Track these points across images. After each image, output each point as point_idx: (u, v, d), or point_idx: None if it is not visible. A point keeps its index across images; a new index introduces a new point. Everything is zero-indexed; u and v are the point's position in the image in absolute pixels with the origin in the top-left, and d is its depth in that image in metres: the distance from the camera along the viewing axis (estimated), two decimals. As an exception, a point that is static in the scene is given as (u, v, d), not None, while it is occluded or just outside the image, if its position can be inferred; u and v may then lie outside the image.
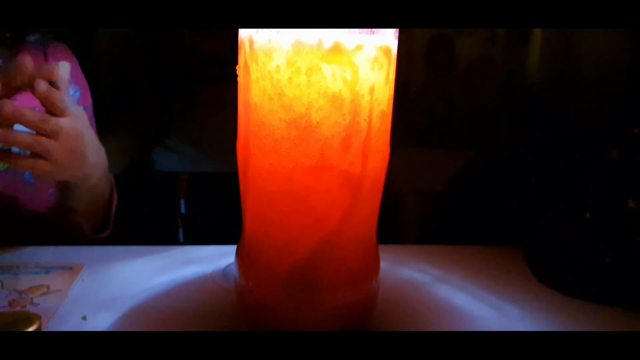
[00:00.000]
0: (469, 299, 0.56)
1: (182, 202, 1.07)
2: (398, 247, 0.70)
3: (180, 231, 1.08)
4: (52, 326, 0.47)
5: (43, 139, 0.57)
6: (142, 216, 1.03)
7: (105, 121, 0.98)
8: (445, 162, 1.00)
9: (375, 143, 0.41)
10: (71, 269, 0.58)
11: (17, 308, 0.49)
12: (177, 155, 1.08)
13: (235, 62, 0.43)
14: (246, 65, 0.41)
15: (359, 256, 0.45)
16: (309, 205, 0.41)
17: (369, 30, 0.39)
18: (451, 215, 0.90)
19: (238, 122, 0.44)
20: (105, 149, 0.71)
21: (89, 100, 0.81)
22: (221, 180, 1.04)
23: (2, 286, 0.53)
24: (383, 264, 0.65)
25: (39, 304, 0.50)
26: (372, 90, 0.39)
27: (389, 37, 0.40)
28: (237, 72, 0.42)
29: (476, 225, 0.81)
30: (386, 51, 0.40)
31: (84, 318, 0.48)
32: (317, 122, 0.38)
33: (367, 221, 0.45)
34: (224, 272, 0.60)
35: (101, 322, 0.48)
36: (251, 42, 0.40)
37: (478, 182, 0.84)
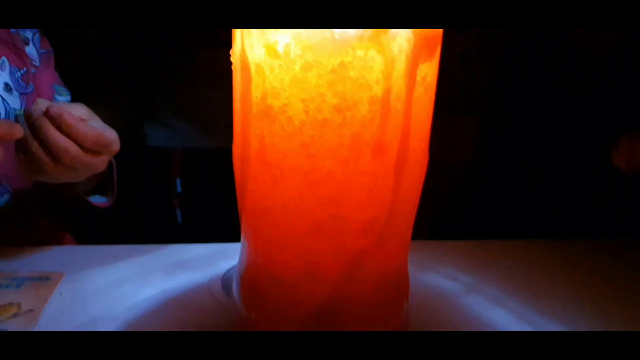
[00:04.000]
0: (507, 316, 0.49)
1: (178, 180, 0.99)
2: (418, 243, 0.62)
3: (178, 211, 1.01)
4: None
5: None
6: (136, 195, 0.96)
7: (92, 89, 0.89)
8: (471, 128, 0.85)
9: (412, 151, 0.32)
10: (48, 280, 0.50)
11: (-20, 338, 0.42)
12: (169, 130, 0.99)
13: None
14: (244, 56, 0.31)
15: (388, 286, 0.37)
16: (328, 227, 0.32)
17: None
18: (482, 196, 0.77)
19: (234, 123, 0.35)
20: None
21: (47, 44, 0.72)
22: (218, 157, 0.96)
23: (-34, 305, 0.46)
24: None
25: (4, 330, 0.43)
26: (410, 85, 0.30)
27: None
28: (232, 60, 0.33)
29: (514, 208, 0.70)
30: (428, 38, 0.31)
31: (58, 349, 0.41)
32: (341, 121, 0.29)
33: (399, 245, 0.37)
34: (224, 280, 0.53)
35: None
36: (260, 36, 0.30)
37: (514, 150, 0.72)
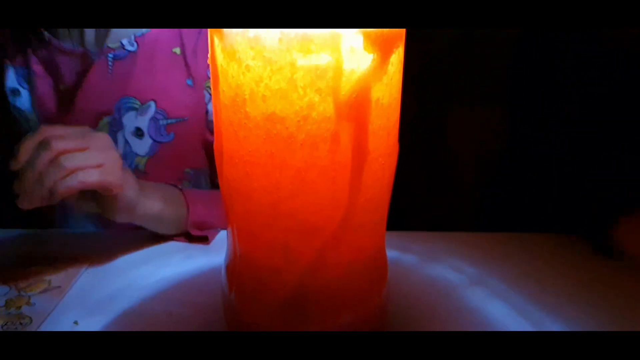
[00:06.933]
0: (505, 310, 0.48)
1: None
2: (428, 234, 0.62)
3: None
4: (43, 329, 0.45)
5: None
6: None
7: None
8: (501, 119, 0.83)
9: (373, 144, 0.33)
10: (77, 260, 0.56)
11: (12, 309, 0.47)
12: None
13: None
14: (214, 60, 0.33)
15: (360, 272, 0.38)
16: (293, 218, 0.34)
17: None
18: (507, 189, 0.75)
19: (214, 123, 0.37)
20: None
21: None
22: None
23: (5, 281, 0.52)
24: (411, 258, 0.58)
25: (34, 304, 0.48)
26: (365, 85, 0.31)
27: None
28: (209, 63, 0.35)
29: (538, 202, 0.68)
30: (384, 38, 0.31)
31: (76, 323, 0.46)
32: (297, 124, 0.31)
33: (370, 232, 0.38)
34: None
35: (91, 328, 0.46)
36: (221, 35, 0.32)
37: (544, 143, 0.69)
